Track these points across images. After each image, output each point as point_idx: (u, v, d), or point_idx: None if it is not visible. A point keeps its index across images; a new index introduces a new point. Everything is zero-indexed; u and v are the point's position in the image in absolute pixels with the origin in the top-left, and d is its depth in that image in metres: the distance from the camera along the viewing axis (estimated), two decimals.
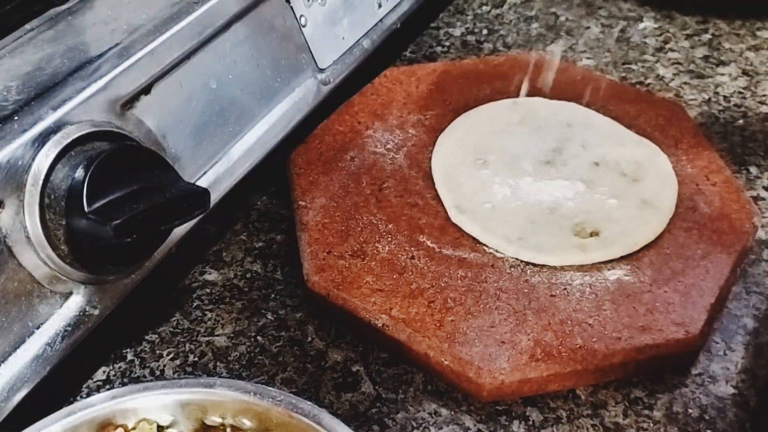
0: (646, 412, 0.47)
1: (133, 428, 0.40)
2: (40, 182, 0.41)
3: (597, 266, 0.52)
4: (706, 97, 0.70)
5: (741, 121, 0.67)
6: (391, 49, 0.73)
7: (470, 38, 0.78)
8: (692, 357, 0.49)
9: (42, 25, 0.48)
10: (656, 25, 0.78)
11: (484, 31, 0.79)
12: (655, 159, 0.59)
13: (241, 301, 0.54)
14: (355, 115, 0.64)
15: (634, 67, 0.73)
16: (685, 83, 0.71)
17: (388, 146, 0.61)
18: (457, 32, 0.79)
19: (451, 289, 0.51)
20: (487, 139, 0.62)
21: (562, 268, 0.52)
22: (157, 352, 0.51)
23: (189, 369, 0.50)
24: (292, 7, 0.60)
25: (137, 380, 0.49)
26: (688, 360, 0.49)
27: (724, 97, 0.70)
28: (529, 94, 0.66)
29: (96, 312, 0.46)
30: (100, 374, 0.49)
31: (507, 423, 0.46)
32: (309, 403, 0.39)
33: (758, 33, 0.77)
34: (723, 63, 0.73)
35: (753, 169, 0.62)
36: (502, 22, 0.80)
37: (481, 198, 0.57)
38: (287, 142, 0.59)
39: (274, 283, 0.55)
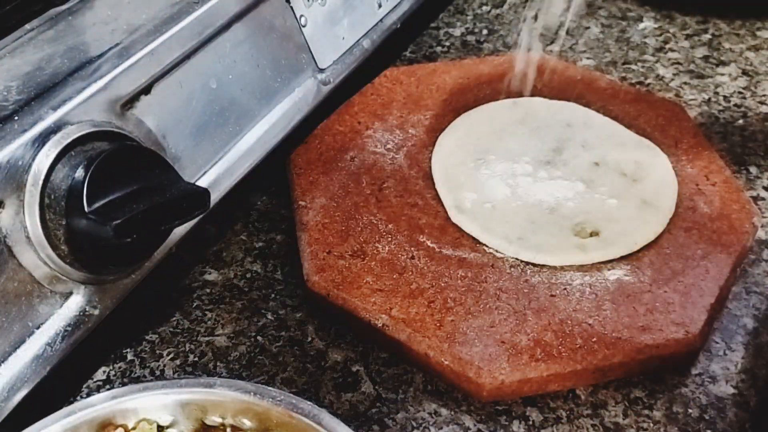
0: (646, 412, 0.47)
1: (133, 428, 0.40)
2: (40, 182, 0.41)
3: (597, 266, 0.52)
4: (706, 97, 0.70)
5: (741, 121, 0.67)
6: (391, 49, 0.73)
7: (470, 38, 0.78)
8: (692, 357, 0.49)
9: (42, 25, 0.48)
10: (656, 25, 0.78)
11: (484, 31, 0.79)
12: (655, 159, 0.59)
13: (241, 301, 0.54)
14: (355, 115, 0.64)
15: (634, 67, 0.73)
16: (685, 83, 0.71)
17: (388, 146, 0.61)
18: (457, 32, 0.79)
19: (451, 289, 0.51)
20: (487, 139, 0.62)
21: (562, 268, 0.52)
22: (157, 352, 0.51)
23: (189, 369, 0.50)
24: (292, 7, 0.60)
25: (137, 380, 0.49)
26: (688, 360, 0.49)
27: (724, 97, 0.70)
28: (529, 94, 0.66)
29: (96, 312, 0.46)
30: (100, 374, 0.49)
31: (507, 423, 0.46)
32: (309, 403, 0.39)
33: (758, 33, 0.77)
34: (723, 63, 0.73)
35: (753, 169, 0.62)
36: (502, 22, 0.80)
37: (481, 198, 0.57)
38: (287, 142, 0.59)
39: (274, 283, 0.55)
